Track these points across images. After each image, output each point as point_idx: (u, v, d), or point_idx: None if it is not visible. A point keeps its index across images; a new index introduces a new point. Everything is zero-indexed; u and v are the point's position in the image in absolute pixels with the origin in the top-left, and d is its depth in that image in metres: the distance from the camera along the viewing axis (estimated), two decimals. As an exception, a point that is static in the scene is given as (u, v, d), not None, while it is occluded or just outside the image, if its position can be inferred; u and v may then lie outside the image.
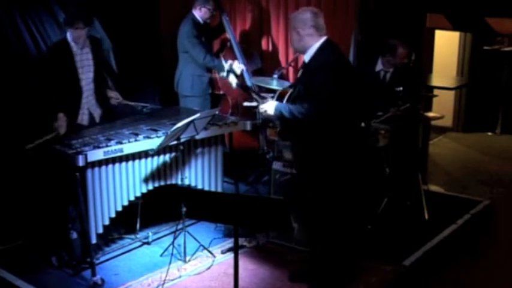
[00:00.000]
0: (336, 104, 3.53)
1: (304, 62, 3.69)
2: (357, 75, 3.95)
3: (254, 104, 5.46)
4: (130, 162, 4.10)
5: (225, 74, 5.35)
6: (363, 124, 4.48)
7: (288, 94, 3.80)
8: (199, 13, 5.46)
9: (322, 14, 3.65)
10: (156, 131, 4.21)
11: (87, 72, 4.50)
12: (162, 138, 4.02)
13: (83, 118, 4.54)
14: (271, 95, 4.92)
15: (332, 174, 3.61)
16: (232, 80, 3.79)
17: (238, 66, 3.69)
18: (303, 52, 3.66)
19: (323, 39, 3.61)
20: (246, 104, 5.51)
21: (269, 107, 3.76)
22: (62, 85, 4.37)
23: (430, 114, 5.36)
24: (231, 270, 3.22)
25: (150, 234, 4.56)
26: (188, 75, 5.51)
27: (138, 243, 4.52)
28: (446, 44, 7.39)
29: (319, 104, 3.49)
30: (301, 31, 3.58)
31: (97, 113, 4.61)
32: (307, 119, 3.51)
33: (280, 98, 3.84)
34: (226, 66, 3.78)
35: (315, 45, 3.59)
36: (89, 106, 4.56)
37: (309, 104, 3.50)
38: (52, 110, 4.36)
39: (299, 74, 3.76)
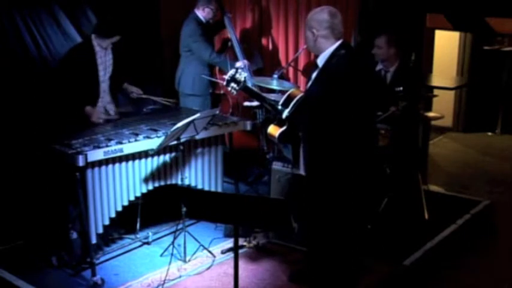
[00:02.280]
0: (342, 115, 3.38)
1: (317, 65, 3.52)
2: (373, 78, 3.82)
3: (255, 103, 5.49)
4: (130, 162, 4.10)
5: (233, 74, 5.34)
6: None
7: (298, 97, 3.67)
8: (202, 13, 5.47)
9: (340, 15, 3.48)
10: (156, 131, 4.21)
11: (108, 73, 4.59)
12: (162, 138, 4.02)
13: (100, 117, 4.57)
14: (273, 95, 4.93)
15: (344, 176, 3.50)
16: (233, 89, 3.71)
17: (242, 74, 3.62)
18: (317, 54, 3.51)
19: (338, 42, 3.45)
20: (246, 103, 5.53)
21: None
22: (82, 85, 4.43)
23: (430, 114, 5.36)
24: (231, 270, 3.22)
25: (150, 234, 4.56)
26: (189, 74, 5.53)
27: (138, 243, 4.52)
28: (446, 44, 7.39)
29: (315, 115, 3.38)
30: (315, 32, 3.41)
31: (112, 110, 4.68)
32: (331, 128, 3.38)
33: (287, 101, 3.72)
34: (228, 74, 3.70)
35: (329, 48, 3.43)
36: (104, 104, 4.63)
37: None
38: (74, 108, 4.46)
39: (313, 76, 3.55)
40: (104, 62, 4.57)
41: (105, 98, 4.65)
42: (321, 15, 3.43)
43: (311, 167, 3.55)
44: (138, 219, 4.59)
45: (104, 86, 4.62)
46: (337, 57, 3.43)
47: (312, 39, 3.46)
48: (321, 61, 3.48)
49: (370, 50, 4.95)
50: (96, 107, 4.55)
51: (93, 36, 4.51)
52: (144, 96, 4.82)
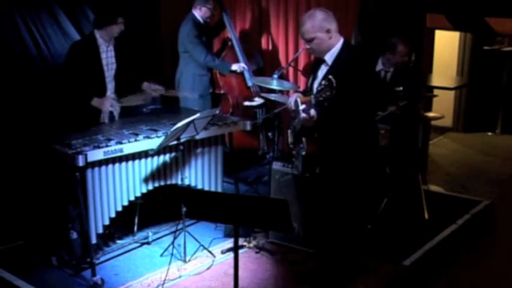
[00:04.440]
0: (367, 105, 3.49)
1: (323, 62, 3.55)
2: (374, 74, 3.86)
3: (255, 103, 5.49)
4: (130, 162, 4.09)
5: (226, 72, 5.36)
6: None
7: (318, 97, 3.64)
8: (200, 13, 5.47)
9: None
10: (156, 131, 4.21)
11: (110, 70, 4.55)
12: (162, 138, 4.02)
13: (105, 116, 4.55)
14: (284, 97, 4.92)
15: (354, 173, 3.57)
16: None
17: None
18: (326, 52, 3.52)
19: (343, 38, 3.53)
20: (246, 103, 5.53)
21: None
22: (87, 82, 4.38)
23: (430, 114, 5.36)
24: (231, 270, 3.22)
25: (150, 234, 4.56)
26: (189, 75, 5.53)
27: (138, 243, 4.52)
28: (446, 44, 7.40)
29: (361, 105, 3.43)
30: (330, 27, 3.44)
31: (116, 111, 4.61)
32: (350, 122, 3.44)
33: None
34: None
35: (338, 44, 3.50)
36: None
37: (352, 107, 3.41)
38: (81, 104, 4.40)
39: (321, 74, 3.56)
40: (106, 58, 4.51)
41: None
42: (320, 14, 3.48)
43: (325, 162, 3.59)
44: (136, 219, 4.57)
45: (109, 86, 4.55)
46: (346, 53, 3.49)
47: (327, 37, 3.48)
48: (329, 58, 3.51)
49: (370, 50, 4.96)
50: (106, 96, 4.46)
51: (95, 31, 4.45)
52: (166, 94, 4.78)
